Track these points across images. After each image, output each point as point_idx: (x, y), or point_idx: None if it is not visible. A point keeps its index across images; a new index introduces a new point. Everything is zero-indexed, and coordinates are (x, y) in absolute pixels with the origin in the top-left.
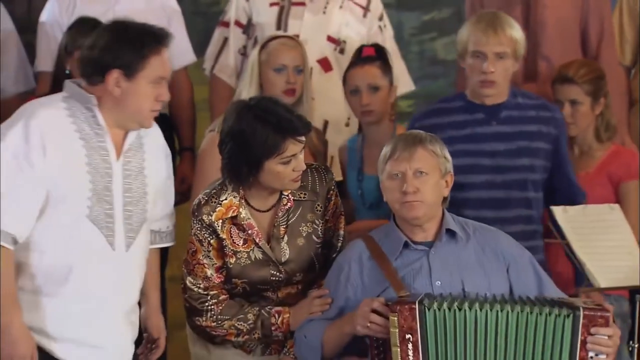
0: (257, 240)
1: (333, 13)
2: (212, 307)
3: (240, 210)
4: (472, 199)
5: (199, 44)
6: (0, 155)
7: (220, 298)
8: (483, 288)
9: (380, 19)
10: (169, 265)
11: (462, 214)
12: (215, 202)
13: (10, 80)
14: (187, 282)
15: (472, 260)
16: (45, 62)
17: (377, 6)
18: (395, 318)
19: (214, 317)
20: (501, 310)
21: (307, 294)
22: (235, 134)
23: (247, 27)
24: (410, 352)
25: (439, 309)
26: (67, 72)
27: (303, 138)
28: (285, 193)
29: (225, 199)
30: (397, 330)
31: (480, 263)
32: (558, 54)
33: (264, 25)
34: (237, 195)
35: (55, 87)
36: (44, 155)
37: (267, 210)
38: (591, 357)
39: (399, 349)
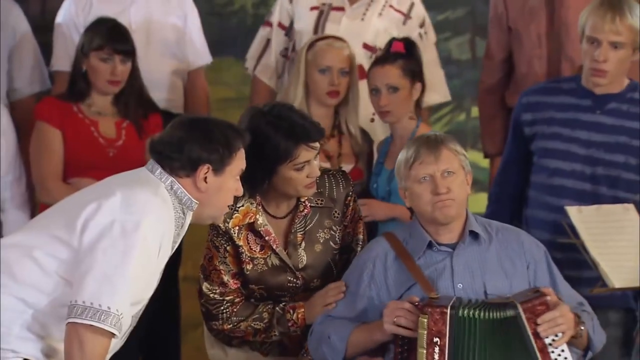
0: (274, 247)
1: (371, 20)
2: (227, 310)
3: (257, 216)
4: (556, 185)
5: (214, 44)
6: (138, 242)
7: (236, 301)
8: (505, 290)
9: (421, 26)
10: (183, 265)
11: (544, 201)
12: (232, 208)
13: (26, 80)
14: (204, 287)
15: (494, 263)
16: (62, 61)
17: (419, 13)
18: (425, 320)
19: (230, 319)
20: (480, 317)
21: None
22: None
23: (289, 30)
24: (437, 356)
25: (467, 315)
26: (84, 71)
27: (317, 144)
28: (302, 199)
29: (242, 206)
30: (425, 332)
31: (501, 265)
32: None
33: (302, 29)
34: (254, 201)
35: (72, 86)
36: (157, 256)
37: (284, 217)
38: (549, 344)
39: (425, 351)
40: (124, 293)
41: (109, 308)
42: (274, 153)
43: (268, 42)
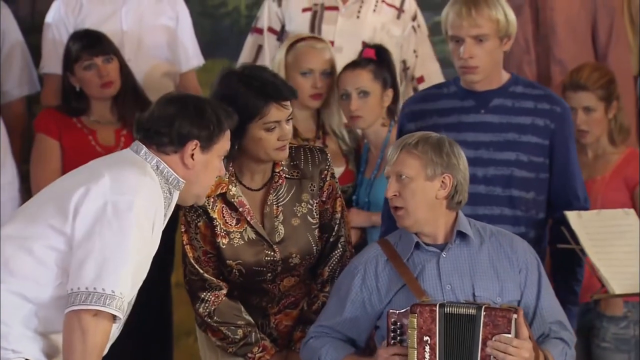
0: (248, 219)
1: (367, 17)
2: (209, 298)
3: (230, 187)
4: None
5: (207, 45)
6: (132, 221)
7: (220, 292)
8: (494, 293)
9: (414, 18)
10: (175, 271)
11: None
12: None
13: (15, 82)
14: (185, 263)
15: (485, 265)
16: (51, 63)
17: (410, 6)
18: (415, 319)
19: (207, 312)
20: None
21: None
22: (219, 99)
23: (281, 34)
24: (427, 355)
25: (457, 313)
26: (78, 89)
27: (288, 104)
28: (277, 170)
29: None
30: (415, 331)
31: (494, 268)
32: (571, 57)
33: (297, 31)
34: (227, 172)
35: (67, 104)
36: (151, 235)
37: (260, 189)
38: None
39: (415, 351)
40: (126, 275)
41: (112, 291)
42: (244, 110)
43: (260, 48)
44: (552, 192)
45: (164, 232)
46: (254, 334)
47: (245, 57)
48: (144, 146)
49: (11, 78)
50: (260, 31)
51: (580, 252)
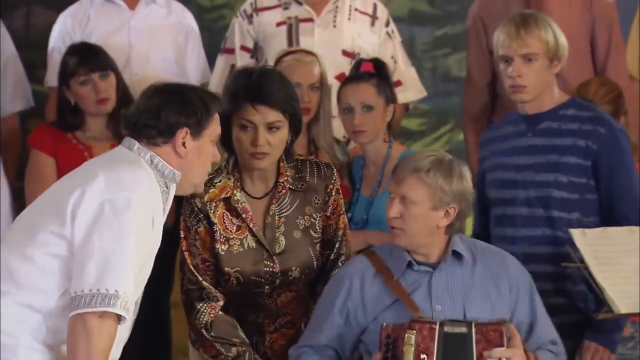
0: (251, 226)
1: (343, 26)
2: (205, 309)
3: (235, 192)
4: (499, 215)
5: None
6: (131, 219)
7: (216, 303)
8: (485, 314)
9: (387, 24)
10: (173, 291)
11: (493, 232)
12: (208, 185)
13: (8, 98)
14: (184, 271)
15: (477, 285)
16: (56, 77)
17: (383, 13)
18: (413, 336)
19: (203, 323)
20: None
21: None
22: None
23: (255, 51)
24: None
25: (456, 332)
26: (73, 103)
27: (264, 109)
28: (281, 180)
29: (220, 181)
30: (412, 348)
31: (485, 288)
32: (571, 71)
33: (274, 46)
34: (232, 177)
35: (63, 119)
36: (151, 231)
37: (262, 198)
38: None
39: None
40: (128, 273)
41: (116, 291)
42: (226, 99)
43: (232, 67)
44: (601, 214)
45: (164, 252)
46: (247, 353)
47: (217, 78)
48: (135, 141)
49: (4, 93)
50: (231, 51)
51: (585, 272)
